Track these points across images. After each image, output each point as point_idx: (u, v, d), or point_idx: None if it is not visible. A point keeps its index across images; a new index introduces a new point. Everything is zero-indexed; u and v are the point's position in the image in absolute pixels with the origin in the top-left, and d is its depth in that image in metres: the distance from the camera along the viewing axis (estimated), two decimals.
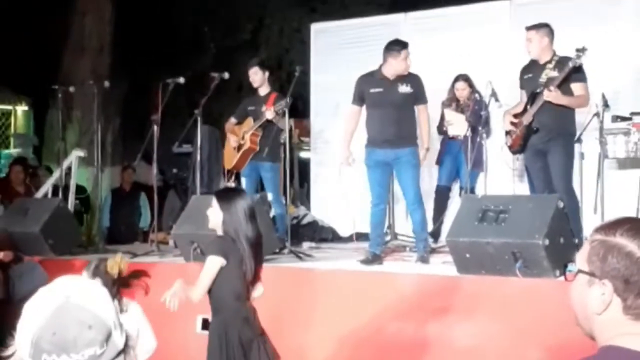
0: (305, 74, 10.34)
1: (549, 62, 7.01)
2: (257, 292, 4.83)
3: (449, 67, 9.00)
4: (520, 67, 8.32)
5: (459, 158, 8.55)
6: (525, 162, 7.33)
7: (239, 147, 8.41)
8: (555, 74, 6.89)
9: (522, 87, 7.27)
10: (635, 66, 8.42)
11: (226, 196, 4.75)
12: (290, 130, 10.02)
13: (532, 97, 7.02)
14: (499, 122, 8.77)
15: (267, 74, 8.57)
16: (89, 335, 1.75)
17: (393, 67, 7.19)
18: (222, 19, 16.33)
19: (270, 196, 8.30)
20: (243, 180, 8.65)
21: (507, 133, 7.25)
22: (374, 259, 7.07)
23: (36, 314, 1.77)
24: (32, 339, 1.74)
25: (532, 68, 7.15)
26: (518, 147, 7.20)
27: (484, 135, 7.74)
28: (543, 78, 6.96)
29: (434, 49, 9.41)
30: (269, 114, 8.07)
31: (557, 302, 4.79)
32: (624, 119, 7.67)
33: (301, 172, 11.57)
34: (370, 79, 7.35)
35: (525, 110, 7.07)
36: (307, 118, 11.24)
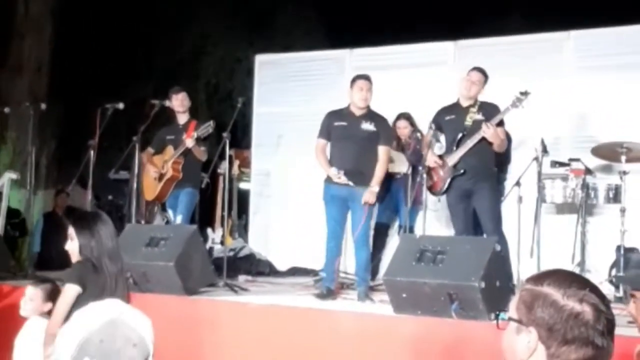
0: (247, 104, 10.28)
1: (472, 105, 7.11)
2: None
3: (391, 105, 9.01)
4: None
5: (399, 196, 8.54)
6: (448, 202, 7.35)
7: (161, 177, 8.36)
8: (479, 117, 7.01)
9: (438, 128, 7.28)
10: (575, 113, 8.56)
11: (83, 220, 4.52)
12: (230, 161, 9.95)
13: (458, 140, 7.09)
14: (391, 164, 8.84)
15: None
16: (132, 352, 1.89)
17: (351, 99, 7.21)
18: (164, 46, 16.24)
19: (179, 218, 8.18)
20: (169, 212, 8.53)
21: (429, 172, 7.28)
22: (329, 293, 7.04)
23: (89, 320, 1.91)
24: (79, 342, 1.86)
25: (455, 110, 7.24)
26: (440, 189, 7.25)
27: (424, 175, 7.75)
28: (468, 121, 7.07)
29: (377, 86, 9.40)
30: (189, 142, 8.07)
31: (491, 345, 4.76)
32: (562, 164, 7.76)
33: (240, 203, 11.47)
34: (337, 114, 7.36)
35: (450, 151, 7.13)
36: (248, 149, 11.17)
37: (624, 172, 7.21)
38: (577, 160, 7.60)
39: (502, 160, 7.58)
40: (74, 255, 4.47)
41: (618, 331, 4.47)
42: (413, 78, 9.46)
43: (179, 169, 8.25)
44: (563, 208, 8.16)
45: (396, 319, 6.01)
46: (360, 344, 5.89)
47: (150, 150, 8.58)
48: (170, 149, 8.37)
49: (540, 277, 1.99)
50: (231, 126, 8.03)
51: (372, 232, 8.61)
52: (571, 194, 7.42)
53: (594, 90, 8.47)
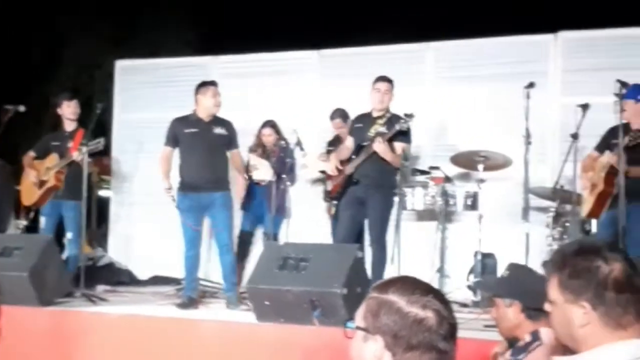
0: (107, 110, 10.03)
1: (381, 117, 7.20)
2: None
3: (256, 113, 9.00)
4: (328, 116, 8.54)
5: (263, 204, 8.52)
6: (340, 207, 7.44)
7: (41, 184, 8.09)
8: (384, 129, 7.11)
9: (351, 134, 7.43)
10: (435, 122, 8.76)
11: None
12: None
13: (358, 149, 7.19)
14: (305, 170, 8.90)
15: None
16: None
17: (203, 105, 7.16)
18: (19, 50, 15.68)
19: (69, 235, 8.03)
20: (42, 220, 8.25)
21: (329, 178, 7.37)
22: (190, 302, 6.97)
23: None
24: None
25: (364, 119, 7.33)
26: (336, 194, 7.37)
27: (288, 183, 7.78)
28: (372, 132, 7.16)
29: (242, 93, 9.38)
30: (76, 155, 7.80)
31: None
32: (422, 172, 7.93)
33: (100, 212, 11.18)
34: (184, 121, 7.28)
35: (350, 159, 7.23)
36: (108, 156, 10.89)
37: (482, 180, 7.43)
38: (437, 168, 7.79)
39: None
40: None
41: (476, 335, 4.59)
42: (277, 86, 9.48)
43: (62, 179, 8.02)
44: (423, 215, 8.33)
45: (258, 327, 5.97)
46: (223, 352, 5.82)
47: (31, 154, 8.30)
48: (54, 157, 8.12)
49: (386, 285, 2.03)
50: (91, 132, 7.82)
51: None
52: (431, 201, 7.57)
53: (453, 100, 8.71)
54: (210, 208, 7.13)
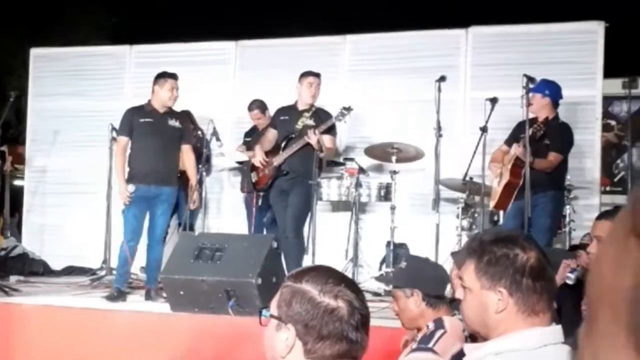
0: (21, 98, 9.89)
1: (307, 110, 7.28)
2: None
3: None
4: (245, 107, 8.55)
5: (179, 195, 8.50)
6: (271, 201, 7.51)
7: None
8: (311, 122, 7.20)
9: (274, 127, 7.46)
10: (351, 114, 8.83)
11: None
12: (3, 157, 9.53)
13: (287, 141, 7.24)
14: (221, 160, 8.93)
15: None
16: None
17: (159, 97, 7.06)
18: None
19: None
20: None
21: (254, 169, 7.39)
22: (119, 295, 6.82)
23: None
24: None
25: (289, 112, 7.38)
26: (264, 185, 7.42)
27: (204, 173, 7.79)
28: (299, 125, 7.24)
29: None
30: None
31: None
32: (337, 163, 8.05)
33: (13, 201, 10.99)
34: (140, 110, 7.16)
35: (276, 151, 7.29)
36: (23, 145, 10.73)
37: (395, 172, 7.59)
38: (352, 160, 7.91)
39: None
40: None
41: (388, 323, 4.68)
42: (194, 76, 9.42)
43: None
44: (338, 206, 8.46)
45: (172, 317, 6.00)
46: (137, 342, 5.83)
47: None
48: None
49: (300, 274, 2.05)
50: (3, 121, 7.69)
51: None
52: (346, 192, 7.69)
53: (368, 92, 8.83)
54: (157, 201, 7.04)
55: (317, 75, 7.37)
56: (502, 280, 2.09)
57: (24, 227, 10.35)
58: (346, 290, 2.00)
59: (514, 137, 6.77)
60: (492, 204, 6.87)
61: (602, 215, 3.79)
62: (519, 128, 6.71)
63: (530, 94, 6.48)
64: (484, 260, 2.12)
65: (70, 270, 9.13)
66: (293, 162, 7.22)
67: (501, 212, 6.94)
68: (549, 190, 6.57)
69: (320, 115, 7.26)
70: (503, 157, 6.82)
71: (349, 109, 7.18)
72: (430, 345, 3.25)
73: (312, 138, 7.02)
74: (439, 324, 3.37)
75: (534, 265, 2.10)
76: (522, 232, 2.27)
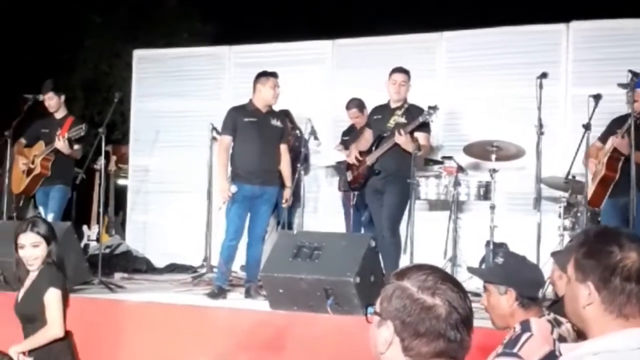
0: (125, 100, 10.14)
1: (399, 108, 7.24)
2: None
3: None
4: (343, 106, 8.59)
5: (278, 194, 8.58)
6: (367, 200, 7.55)
7: (29, 172, 8.08)
8: (403, 120, 7.15)
9: (369, 127, 7.47)
10: (447, 112, 8.74)
11: (49, 227, 4.68)
12: (107, 157, 9.79)
13: (379, 140, 7.23)
14: (318, 159, 8.98)
15: (62, 97, 8.27)
16: None
17: (261, 95, 7.13)
18: (40, 39, 15.79)
19: (51, 217, 7.77)
20: (41, 210, 8.25)
21: (349, 168, 7.41)
22: (220, 292, 6.92)
23: None
24: None
25: (382, 110, 7.36)
26: (357, 184, 7.46)
27: (302, 172, 7.84)
28: (391, 123, 7.20)
29: None
30: (58, 144, 7.79)
31: (365, 339, 4.86)
32: (435, 162, 7.99)
33: (117, 200, 11.30)
34: (243, 110, 7.23)
35: (370, 150, 7.28)
36: (126, 144, 11.01)
37: (494, 170, 7.47)
38: (450, 158, 7.82)
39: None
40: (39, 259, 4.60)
41: (487, 323, 4.55)
42: (292, 75, 9.49)
43: (48, 167, 7.97)
44: (436, 205, 8.40)
45: (272, 315, 6.05)
46: (236, 339, 5.90)
47: (22, 141, 8.28)
48: (41, 144, 8.07)
49: (403, 272, 2.04)
50: (108, 121, 7.90)
51: None
52: (444, 191, 7.62)
53: (466, 90, 8.73)
54: (260, 200, 7.12)
55: (404, 71, 7.28)
56: (591, 275, 2.06)
57: (128, 226, 10.62)
58: (447, 288, 1.98)
59: (609, 132, 6.59)
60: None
61: None
62: (615, 123, 6.55)
63: (635, 90, 6.30)
64: (581, 252, 2.10)
65: (173, 268, 9.32)
66: (385, 161, 7.18)
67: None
68: None
69: (413, 113, 7.16)
70: (597, 154, 6.65)
71: (434, 108, 7.03)
72: (515, 350, 3.15)
73: (400, 139, 6.97)
74: (525, 326, 3.27)
75: (628, 266, 2.04)
76: (631, 231, 2.19)
